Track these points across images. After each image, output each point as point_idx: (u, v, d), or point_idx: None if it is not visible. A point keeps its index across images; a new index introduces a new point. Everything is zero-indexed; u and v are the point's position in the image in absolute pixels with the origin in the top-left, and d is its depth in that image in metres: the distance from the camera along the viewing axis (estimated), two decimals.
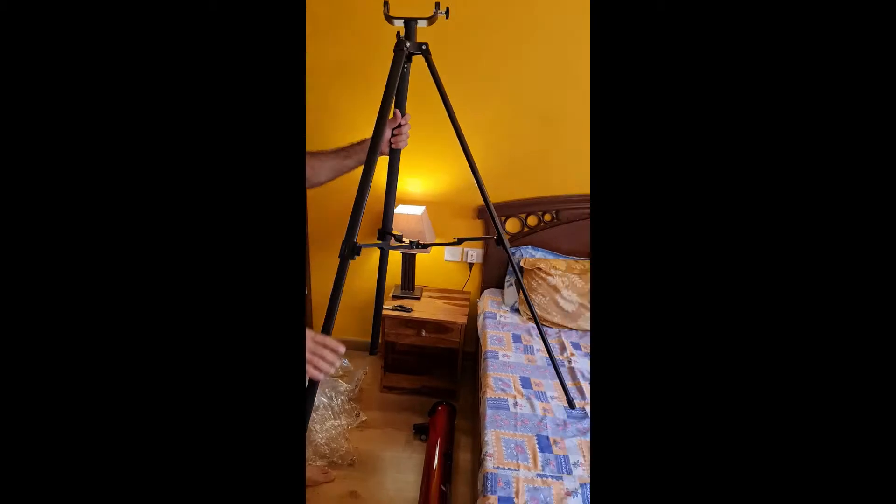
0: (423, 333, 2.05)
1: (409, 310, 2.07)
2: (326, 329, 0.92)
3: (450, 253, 2.28)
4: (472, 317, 2.25)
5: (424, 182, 2.18)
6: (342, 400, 2.07)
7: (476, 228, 2.24)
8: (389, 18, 1.00)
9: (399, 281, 2.21)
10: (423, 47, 1.00)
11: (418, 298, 2.17)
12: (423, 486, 1.60)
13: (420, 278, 2.26)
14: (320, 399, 2.03)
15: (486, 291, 2.23)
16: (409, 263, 2.16)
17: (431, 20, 0.99)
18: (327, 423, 1.97)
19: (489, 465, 1.23)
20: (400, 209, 2.08)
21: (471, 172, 1.09)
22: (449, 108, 1.05)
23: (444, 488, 1.60)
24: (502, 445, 1.30)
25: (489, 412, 1.44)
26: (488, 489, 1.16)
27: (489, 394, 1.52)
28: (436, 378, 2.21)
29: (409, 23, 0.98)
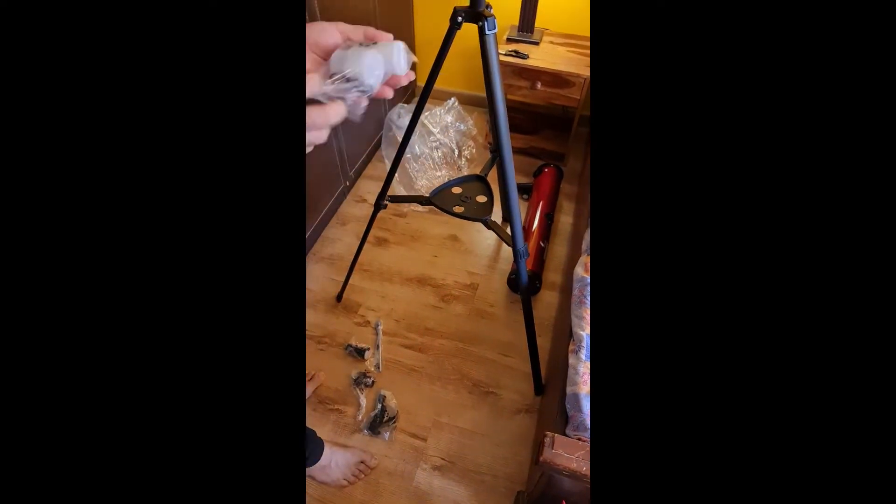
0: (539, 86, 1.78)
1: (524, 56, 1.76)
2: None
3: None
4: None
5: None
6: (443, 153, 2.00)
7: None
8: None
9: (516, 21, 1.84)
10: None
11: (537, 43, 1.83)
12: None
13: (542, 18, 1.86)
14: (421, 149, 1.98)
15: None
16: None
17: None
18: (427, 174, 1.96)
19: None
20: None
21: None
22: None
23: (542, 244, 1.59)
24: None
25: None
26: None
27: None
28: (546, 139, 2.02)
29: None
